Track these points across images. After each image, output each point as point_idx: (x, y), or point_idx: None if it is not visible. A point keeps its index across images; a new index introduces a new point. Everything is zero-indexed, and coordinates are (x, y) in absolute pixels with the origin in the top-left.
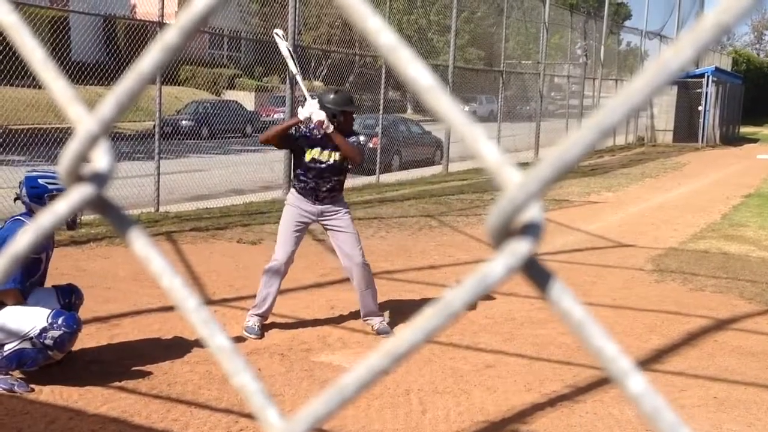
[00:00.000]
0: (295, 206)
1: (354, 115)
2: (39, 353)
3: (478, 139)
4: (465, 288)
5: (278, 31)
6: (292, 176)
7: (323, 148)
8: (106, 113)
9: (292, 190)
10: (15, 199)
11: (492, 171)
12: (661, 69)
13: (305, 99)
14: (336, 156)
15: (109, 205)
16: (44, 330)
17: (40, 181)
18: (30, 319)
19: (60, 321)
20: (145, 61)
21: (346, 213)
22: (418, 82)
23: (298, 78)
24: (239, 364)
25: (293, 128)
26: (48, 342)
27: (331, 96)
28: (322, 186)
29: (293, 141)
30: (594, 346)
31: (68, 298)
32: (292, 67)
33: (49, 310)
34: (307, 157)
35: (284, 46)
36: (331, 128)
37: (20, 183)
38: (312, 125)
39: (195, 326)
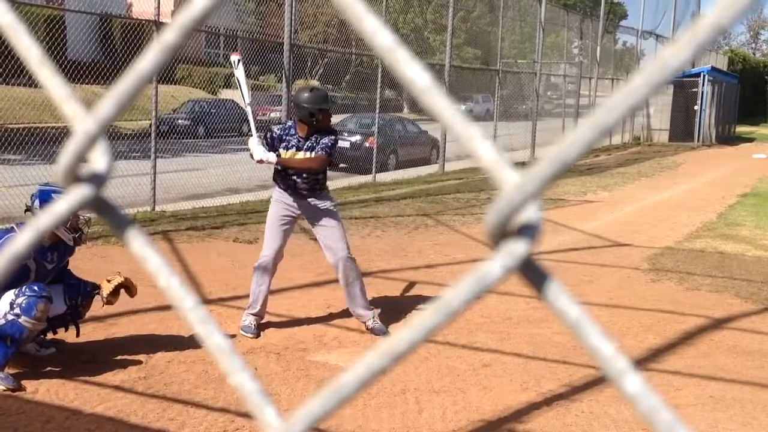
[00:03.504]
0: (280, 201)
1: (330, 112)
2: (14, 326)
3: (474, 139)
4: (463, 287)
5: (234, 57)
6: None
7: (298, 149)
8: (104, 113)
9: (276, 187)
10: (25, 211)
11: (489, 171)
12: (659, 68)
13: (251, 133)
14: (311, 156)
15: (107, 205)
16: (12, 302)
17: (54, 196)
18: (6, 298)
19: (24, 289)
20: (144, 60)
21: (330, 206)
22: (414, 83)
23: (248, 109)
24: (236, 363)
25: (268, 136)
26: (16, 311)
27: (306, 94)
28: (301, 184)
29: (275, 147)
30: (590, 346)
31: (75, 299)
32: (245, 95)
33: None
34: (284, 156)
35: (240, 72)
36: (273, 159)
37: (32, 195)
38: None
39: (192, 325)
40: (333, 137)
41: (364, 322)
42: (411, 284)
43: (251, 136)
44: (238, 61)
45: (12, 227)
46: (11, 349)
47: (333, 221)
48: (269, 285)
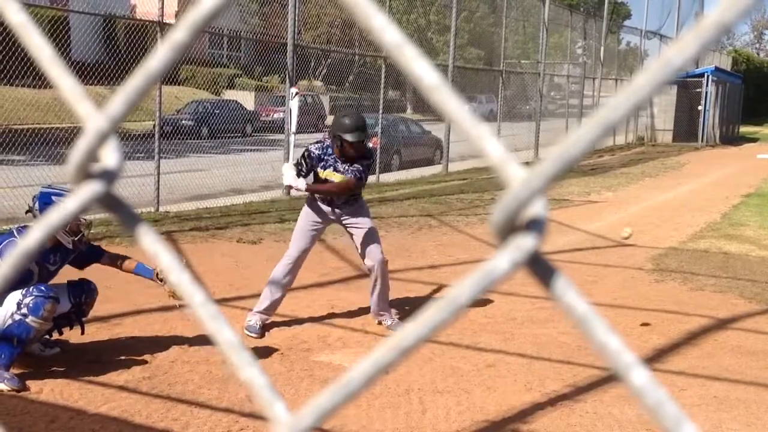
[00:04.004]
0: (315, 205)
1: (360, 142)
2: (21, 326)
3: (482, 136)
4: (470, 282)
5: (294, 90)
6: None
7: (335, 170)
8: (115, 111)
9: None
10: (27, 212)
11: (496, 168)
12: (663, 66)
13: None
14: (339, 183)
15: (118, 201)
16: (19, 302)
17: (53, 198)
18: (12, 298)
19: (32, 289)
20: (154, 59)
21: (365, 211)
22: (422, 80)
23: (292, 137)
24: (246, 358)
25: (306, 155)
26: (24, 311)
27: (340, 121)
28: (336, 201)
29: (313, 166)
30: (598, 341)
31: (79, 297)
32: (293, 124)
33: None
34: (321, 175)
35: (294, 104)
36: (303, 186)
37: (34, 197)
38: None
39: (202, 321)
40: (368, 161)
41: (381, 322)
42: (415, 285)
43: (287, 162)
44: (296, 93)
45: (12, 231)
46: (17, 350)
47: (369, 224)
48: (287, 287)
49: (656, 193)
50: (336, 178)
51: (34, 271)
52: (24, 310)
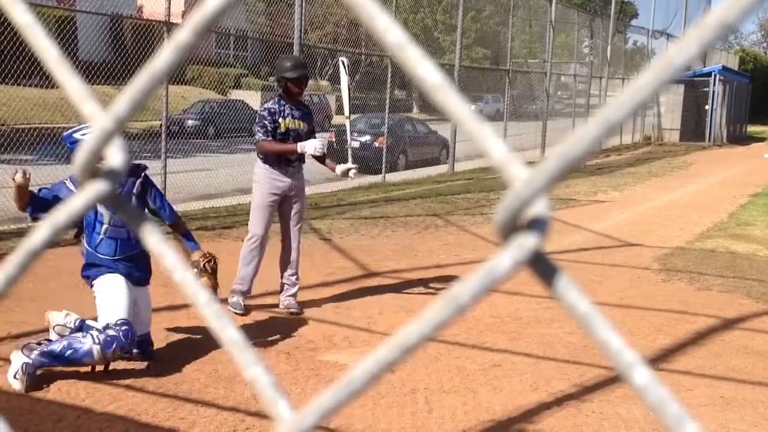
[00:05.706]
0: (265, 182)
1: (303, 78)
2: (85, 347)
3: (485, 136)
4: (473, 281)
5: (344, 60)
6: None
7: (293, 117)
8: (120, 111)
9: (261, 168)
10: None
11: (499, 167)
12: (666, 65)
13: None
14: (304, 126)
15: (123, 201)
16: (109, 325)
17: (75, 135)
18: (115, 311)
19: (121, 325)
20: (159, 59)
21: (303, 198)
22: (426, 81)
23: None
24: (250, 357)
25: (265, 120)
26: (101, 336)
27: (281, 64)
28: (293, 165)
29: (276, 122)
30: (599, 339)
31: (132, 350)
32: (346, 108)
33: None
34: (282, 127)
35: (345, 79)
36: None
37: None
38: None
39: (206, 319)
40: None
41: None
42: (421, 284)
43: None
44: (346, 65)
45: (63, 182)
46: (61, 362)
47: (299, 215)
48: (259, 263)
49: (663, 193)
50: (294, 124)
51: (101, 221)
52: (102, 337)
